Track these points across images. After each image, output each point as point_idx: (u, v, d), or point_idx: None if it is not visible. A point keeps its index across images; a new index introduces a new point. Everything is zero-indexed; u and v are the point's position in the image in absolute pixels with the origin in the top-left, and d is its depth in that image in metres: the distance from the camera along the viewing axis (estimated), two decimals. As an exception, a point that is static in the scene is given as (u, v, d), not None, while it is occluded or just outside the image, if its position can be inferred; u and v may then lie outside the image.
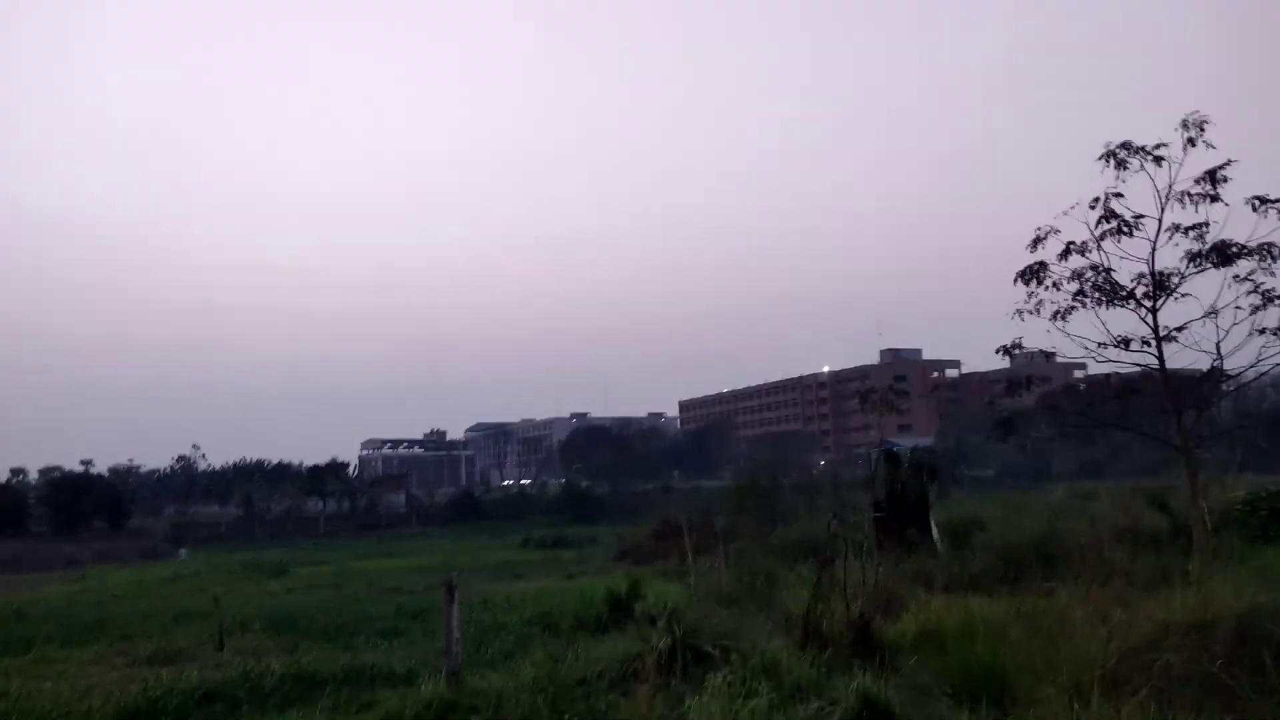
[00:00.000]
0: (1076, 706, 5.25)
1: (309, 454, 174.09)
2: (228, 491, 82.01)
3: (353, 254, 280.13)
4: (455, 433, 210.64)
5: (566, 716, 7.48)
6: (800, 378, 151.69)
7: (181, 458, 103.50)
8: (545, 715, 7.45)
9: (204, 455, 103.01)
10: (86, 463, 73.57)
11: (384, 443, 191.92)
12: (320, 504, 77.41)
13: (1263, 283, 12.12)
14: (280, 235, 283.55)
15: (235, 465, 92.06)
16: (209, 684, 9.82)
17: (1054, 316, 13.73)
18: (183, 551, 50.14)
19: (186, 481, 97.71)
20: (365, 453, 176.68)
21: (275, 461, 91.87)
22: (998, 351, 14.69)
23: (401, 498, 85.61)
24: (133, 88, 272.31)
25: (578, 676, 8.74)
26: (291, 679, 10.22)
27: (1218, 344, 12.46)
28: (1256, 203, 11.93)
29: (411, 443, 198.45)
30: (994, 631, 8.33)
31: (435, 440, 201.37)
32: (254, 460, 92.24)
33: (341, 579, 26.36)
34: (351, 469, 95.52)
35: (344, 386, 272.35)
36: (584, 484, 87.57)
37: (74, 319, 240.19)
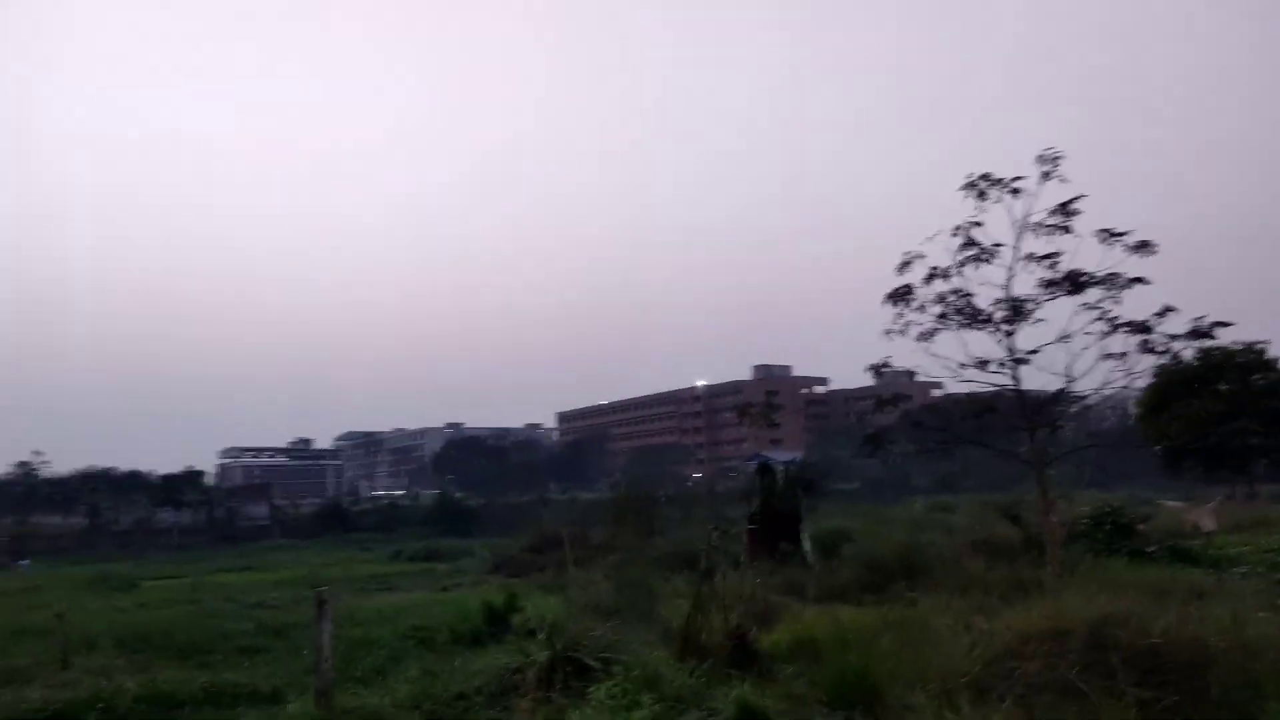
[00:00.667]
0: (947, 713, 5.48)
1: (162, 463, 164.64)
2: (72, 501, 76.63)
3: (211, 251, 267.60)
4: (323, 442, 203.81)
5: (444, 733, 7.33)
6: (675, 391, 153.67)
7: (21, 464, 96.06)
8: (422, 733, 7.28)
9: (46, 461, 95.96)
10: (-89, 468, 67.38)
11: (245, 451, 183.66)
12: (174, 515, 73.28)
13: (1109, 310, 12.99)
14: (129, 226, 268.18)
15: (81, 473, 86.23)
16: (55, 704, 9.14)
17: (919, 337, 14.36)
18: (25, 563, 46.54)
19: (26, 489, 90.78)
20: (224, 461, 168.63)
21: (125, 470, 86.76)
22: (867, 370, 15.29)
23: (264, 508, 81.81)
24: None
25: (455, 692, 8.57)
26: (146, 700, 9.61)
27: (1068, 366, 13.26)
28: (1105, 234, 12.79)
29: (275, 451, 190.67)
30: (864, 640, 8.61)
31: (301, 449, 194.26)
32: (101, 468, 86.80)
33: (198, 593, 24.99)
34: (209, 478, 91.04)
35: (201, 392, 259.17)
36: (458, 495, 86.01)
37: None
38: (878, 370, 15.05)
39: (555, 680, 8.14)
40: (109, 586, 28.12)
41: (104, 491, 74.65)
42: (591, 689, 7.56)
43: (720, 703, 7.02)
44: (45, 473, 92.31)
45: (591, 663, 8.26)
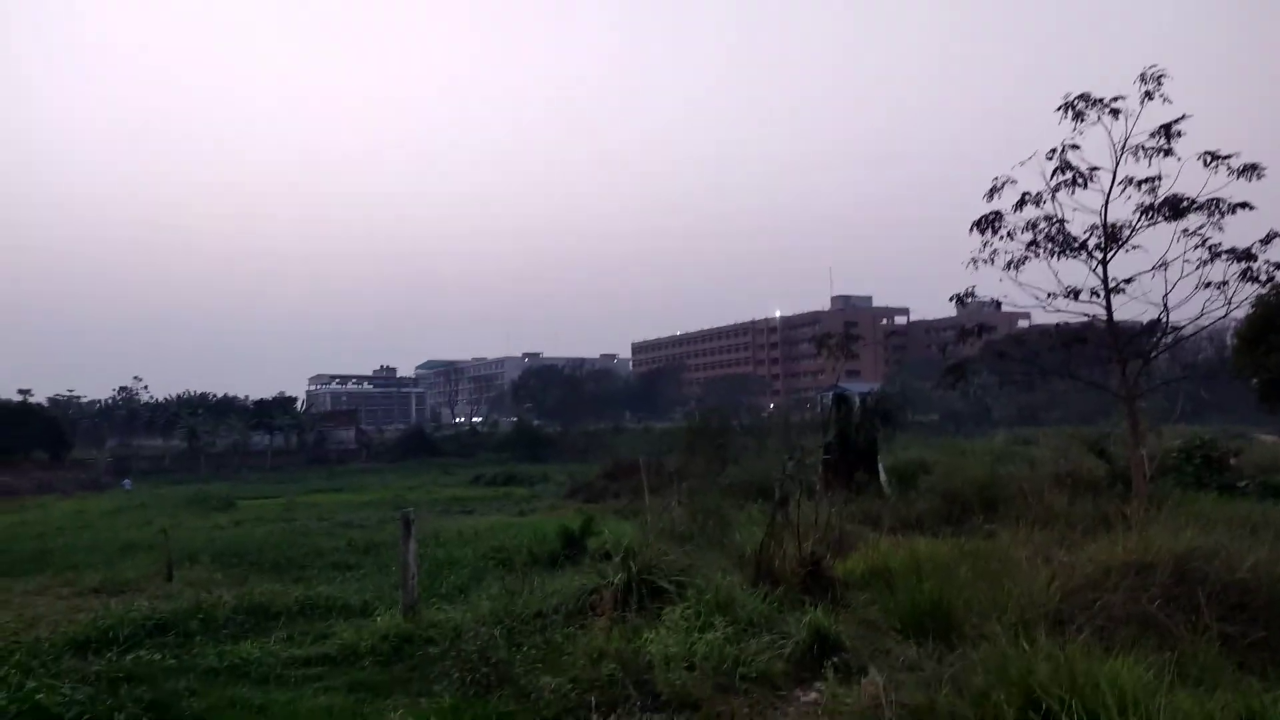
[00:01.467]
0: (1023, 641, 5.44)
1: (254, 388, 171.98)
2: (171, 424, 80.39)
3: (302, 184, 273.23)
4: (405, 370, 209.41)
5: (524, 648, 7.57)
6: (752, 322, 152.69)
7: (123, 389, 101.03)
8: (502, 647, 7.53)
9: (146, 387, 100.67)
10: (25, 392, 71.25)
11: (332, 378, 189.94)
12: (267, 439, 76.44)
13: (1210, 237, 12.39)
14: (227, 161, 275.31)
15: (179, 398, 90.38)
16: (160, 615, 9.72)
17: (1008, 266, 13.94)
18: (127, 482, 49.25)
19: (129, 414, 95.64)
20: (313, 388, 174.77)
21: (220, 395, 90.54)
22: (951, 299, 14.90)
23: (351, 433, 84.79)
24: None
25: (533, 610, 8.84)
26: (244, 611, 10.16)
27: (1164, 296, 12.75)
28: (1208, 158, 12.13)
29: (360, 379, 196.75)
30: (940, 570, 8.56)
31: (385, 377, 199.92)
32: (198, 393, 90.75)
33: (290, 513, 26.16)
34: (299, 404, 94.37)
35: (291, 321, 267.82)
36: (535, 423, 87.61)
37: (8, 247, 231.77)
38: (961, 300, 14.64)
39: (630, 601, 8.32)
40: (207, 505, 29.54)
41: (200, 415, 78.04)
42: (665, 611, 7.70)
43: (792, 627, 7.08)
44: (144, 398, 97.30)
45: (666, 585, 8.40)
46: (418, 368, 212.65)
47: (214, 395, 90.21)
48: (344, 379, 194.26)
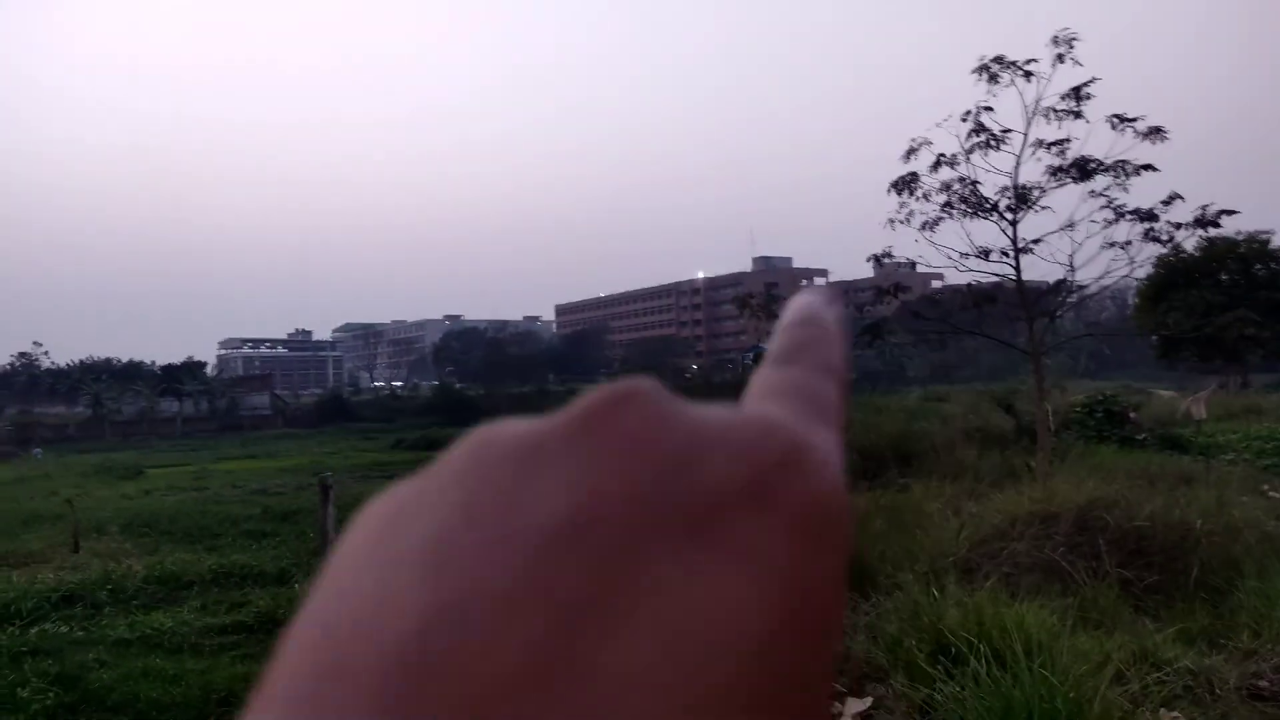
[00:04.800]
0: (934, 589, 5.64)
1: (162, 353, 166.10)
2: (74, 391, 77.32)
3: (210, 140, 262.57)
4: (322, 333, 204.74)
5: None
6: (676, 284, 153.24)
7: (23, 355, 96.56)
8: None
9: (46, 353, 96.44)
10: (-88, 359, 67.71)
11: (244, 342, 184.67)
12: (176, 405, 74.07)
13: (1116, 199, 12.80)
14: (131, 120, 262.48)
15: (82, 363, 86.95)
16: (67, 586, 9.37)
17: (923, 226, 14.19)
18: (38, 451, 47.14)
19: (29, 380, 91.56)
20: (224, 352, 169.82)
21: (125, 360, 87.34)
22: (869, 260, 15.17)
23: (265, 398, 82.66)
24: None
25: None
26: (155, 581, 9.86)
27: (1071, 256, 13.16)
28: (1116, 120, 12.49)
29: (274, 342, 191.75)
30: (856, 524, 8.80)
31: (300, 340, 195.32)
32: (102, 359, 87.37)
33: (202, 480, 25.46)
34: (209, 369, 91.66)
35: (199, 284, 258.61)
36: (458, 386, 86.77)
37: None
38: (879, 260, 14.90)
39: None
40: (114, 474, 28.56)
41: (105, 382, 75.15)
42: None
43: (714, 582, 7.19)
44: (45, 364, 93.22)
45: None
46: (334, 331, 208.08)
47: (119, 360, 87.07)
48: (257, 343, 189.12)
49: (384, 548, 0.22)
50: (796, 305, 0.36)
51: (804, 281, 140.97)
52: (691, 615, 0.20)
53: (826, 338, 0.34)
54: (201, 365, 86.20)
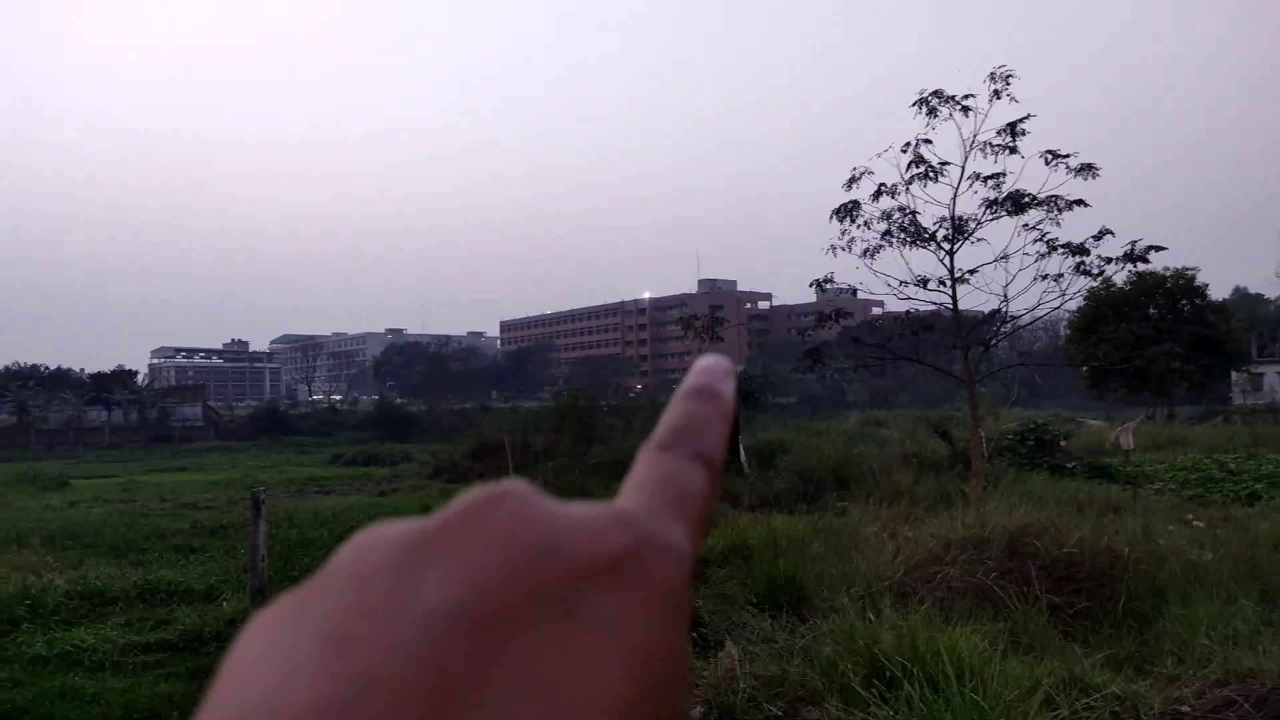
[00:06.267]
0: (869, 613, 5.69)
1: (91, 361, 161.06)
2: (-3, 398, 74.54)
3: (145, 147, 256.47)
4: (259, 344, 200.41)
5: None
6: (621, 303, 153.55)
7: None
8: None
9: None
10: None
11: (178, 351, 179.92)
12: (105, 414, 71.80)
13: (1048, 232, 13.18)
14: (65, 120, 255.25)
15: (7, 369, 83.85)
16: (-20, 600, 9.00)
17: (864, 254, 14.44)
18: (-46, 459, 45.27)
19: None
20: (156, 361, 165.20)
21: (53, 367, 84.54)
22: (811, 285, 15.39)
23: (198, 409, 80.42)
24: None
25: (391, 591, 8.62)
26: (77, 596, 9.49)
27: (1005, 287, 13.49)
28: (1049, 156, 12.88)
29: (209, 352, 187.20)
30: (795, 546, 8.86)
31: (236, 351, 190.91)
32: (28, 365, 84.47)
33: (130, 493, 24.66)
34: (140, 378, 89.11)
35: (132, 291, 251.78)
36: (398, 401, 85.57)
37: None
38: (821, 286, 15.14)
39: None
40: (38, 485, 27.56)
41: (31, 389, 72.52)
42: (527, 589, 7.68)
43: (653, 604, 7.18)
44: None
45: (528, 564, 8.36)
46: (272, 342, 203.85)
47: (46, 367, 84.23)
48: (190, 352, 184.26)
49: (281, 641, 0.24)
50: (698, 370, 0.41)
51: (748, 305, 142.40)
52: (565, 682, 0.24)
53: (712, 419, 0.38)
54: (133, 374, 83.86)
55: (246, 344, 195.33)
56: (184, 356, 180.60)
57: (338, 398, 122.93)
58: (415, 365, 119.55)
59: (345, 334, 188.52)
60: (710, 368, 0.41)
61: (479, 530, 0.27)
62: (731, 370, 0.42)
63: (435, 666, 0.23)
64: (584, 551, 0.27)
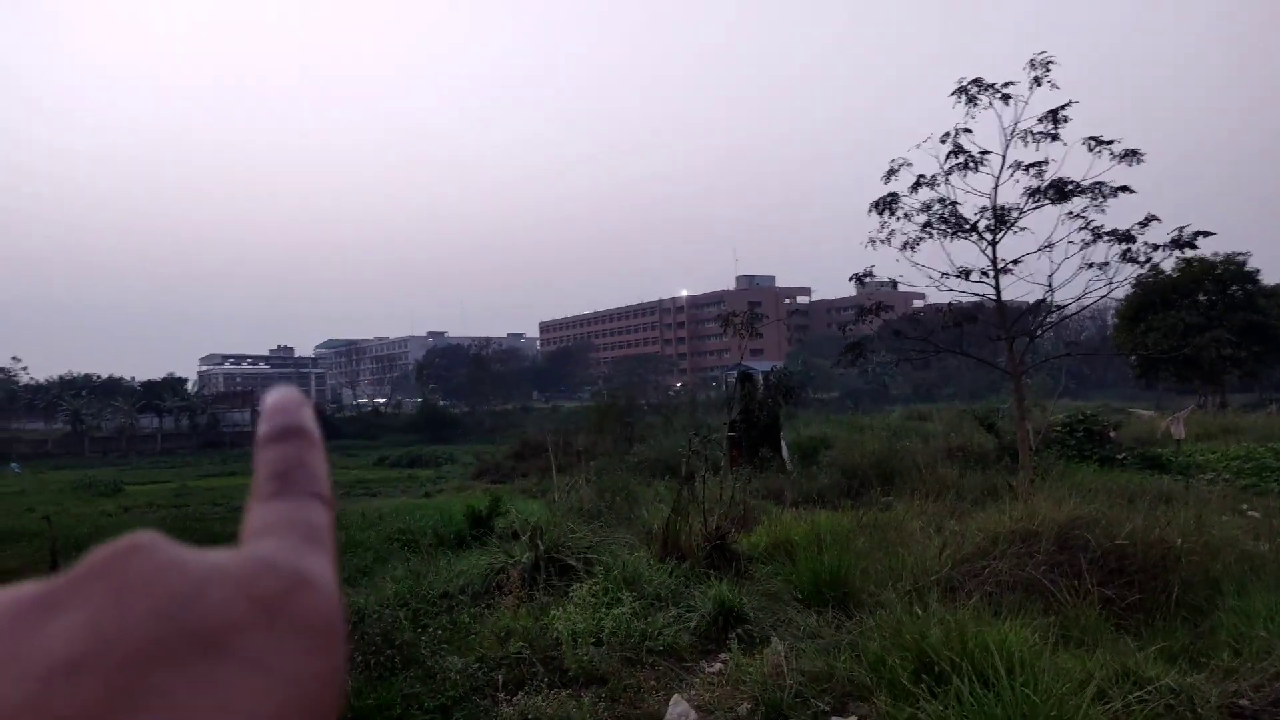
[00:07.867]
0: (916, 608, 5.65)
1: (142, 369, 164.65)
2: (53, 407, 76.40)
3: (193, 158, 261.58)
4: (304, 350, 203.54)
5: (429, 629, 7.48)
6: (659, 301, 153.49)
7: (1, 370, 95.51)
8: (407, 629, 7.42)
9: (25, 368, 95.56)
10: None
11: (226, 358, 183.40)
12: (156, 421, 73.40)
13: (1093, 220, 12.96)
14: (116, 124, 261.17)
15: (61, 379, 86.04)
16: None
17: (904, 246, 14.31)
18: (15, 465, 46.57)
19: (7, 396, 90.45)
20: (205, 369, 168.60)
21: (105, 376, 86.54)
22: (851, 279, 15.30)
23: (247, 415, 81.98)
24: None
25: (439, 591, 8.72)
26: (134, 600, 9.76)
27: (1049, 277, 13.31)
28: (1092, 143, 12.67)
29: (256, 359, 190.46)
30: (839, 542, 8.81)
31: (282, 357, 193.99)
32: (81, 374, 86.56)
33: (183, 498, 25.23)
34: (190, 385, 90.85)
35: (182, 299, 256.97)
36: (441, 403, 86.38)
37: None
38: (860, 280, 15.04)
39: (538, 579, 8.31)
40: (93, 491, 28.29)
41: (85, 398, 74.36)
42: (573, 588, 7.73)
43: (698, 601, 7.19)
44: (24, 379, 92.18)
45: (573, 563, 8.42)
46: (317, 347, 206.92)
47: (99, 376, 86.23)
48: (238, 359, 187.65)
49: None
50: (273, 411, 0.41)
51: (787, 300, 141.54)
52: (206, 715, 0.26)
53: (308, 456, 0.39)
54: (182, 381, 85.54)
55: (292, 349, 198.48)
56: (232, 363, 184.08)
57: (381, 401, 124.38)
58: (457, 367, 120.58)
59: (387, 338, 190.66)
60: (283, 406, 0.41)
61: (108, 583, 0.28)
62: (303, 399, 0.42)
63: (55, 714, 0.24)
64: (228, 597, 0.29)
